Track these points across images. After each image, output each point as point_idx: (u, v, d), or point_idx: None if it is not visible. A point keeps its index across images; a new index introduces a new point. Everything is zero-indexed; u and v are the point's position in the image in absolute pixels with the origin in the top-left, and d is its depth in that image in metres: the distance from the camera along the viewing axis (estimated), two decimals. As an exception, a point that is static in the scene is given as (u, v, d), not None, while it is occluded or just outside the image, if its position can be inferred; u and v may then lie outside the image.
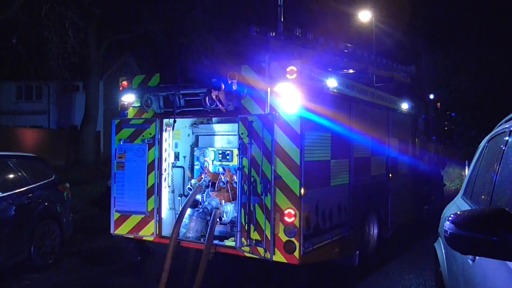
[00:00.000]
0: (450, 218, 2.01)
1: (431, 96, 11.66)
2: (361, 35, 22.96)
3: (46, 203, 7.14)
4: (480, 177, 3.52)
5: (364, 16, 22.36)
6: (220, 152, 6.85)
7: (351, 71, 8.17)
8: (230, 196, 6.29)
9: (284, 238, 5.26)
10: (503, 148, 2.83)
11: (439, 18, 30.46)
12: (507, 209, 1.91)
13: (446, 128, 12.06)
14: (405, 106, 8.90)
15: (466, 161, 17.93)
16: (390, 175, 8.09)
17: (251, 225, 5.41)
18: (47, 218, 7.09)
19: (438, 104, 11.89)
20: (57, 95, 31.23)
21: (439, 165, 11.69)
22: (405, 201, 9.06)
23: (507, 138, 2.83)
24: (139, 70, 28.81)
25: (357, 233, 6.72)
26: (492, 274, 2.25)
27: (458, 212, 2.06)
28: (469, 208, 3.41)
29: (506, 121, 3.19)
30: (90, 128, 22.21)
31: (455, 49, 29.91)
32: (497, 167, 2.81)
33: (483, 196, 3.16)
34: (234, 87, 5.53)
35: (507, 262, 2.02)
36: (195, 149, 7.10)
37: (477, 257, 2.53)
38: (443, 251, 3.88)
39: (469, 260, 2.68)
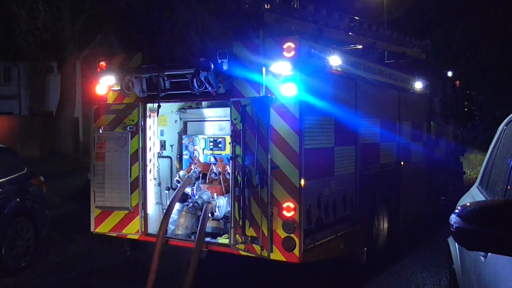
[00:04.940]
0: (456, 211, 2.05)
1: (449, 74, 11.64)
2: (369, 7, 22.79)
3: (18, 199, 7.19)
4: (496, 165, 3.56)
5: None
6: (211, 139, 6.88)
7: (359, 46, 8.17)
8: (223, 189, 6.34)
9: (282, 234, 5.31)
10: (521, 132, 2.86)
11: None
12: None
13: (466, 109, 12.05)
14: (419, 85, 8.91)
15: (490, 146, 17.95)
16: (402, 163, 8.15)
17: (246, 220, 5.47)
18: (19, 215, 7.15)
19: (457, 82, 11.89)
20: (28, 77, 30.98)
21: (458, 151, 11.72)
22: (419, 192, 9.14)
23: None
24: (122, 48, 28.57)
25: (364, 228, 6.80)
26: (504, 271, 2.30)
27: (467, 204, 2.10)
28: (484, 199, 3.46)
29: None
30: (67, 114, 22.11)
31: (479, 19, 29.64)
32: (514, 153, 2.85)
33: (499, 186, 3.20)
34: (225, 67, 5.53)
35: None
36: (184, 136, 7.12)
37: (489, 254, 2.59)
38: (456, 246, 3.94)
39: (480, 256, 2.74)
